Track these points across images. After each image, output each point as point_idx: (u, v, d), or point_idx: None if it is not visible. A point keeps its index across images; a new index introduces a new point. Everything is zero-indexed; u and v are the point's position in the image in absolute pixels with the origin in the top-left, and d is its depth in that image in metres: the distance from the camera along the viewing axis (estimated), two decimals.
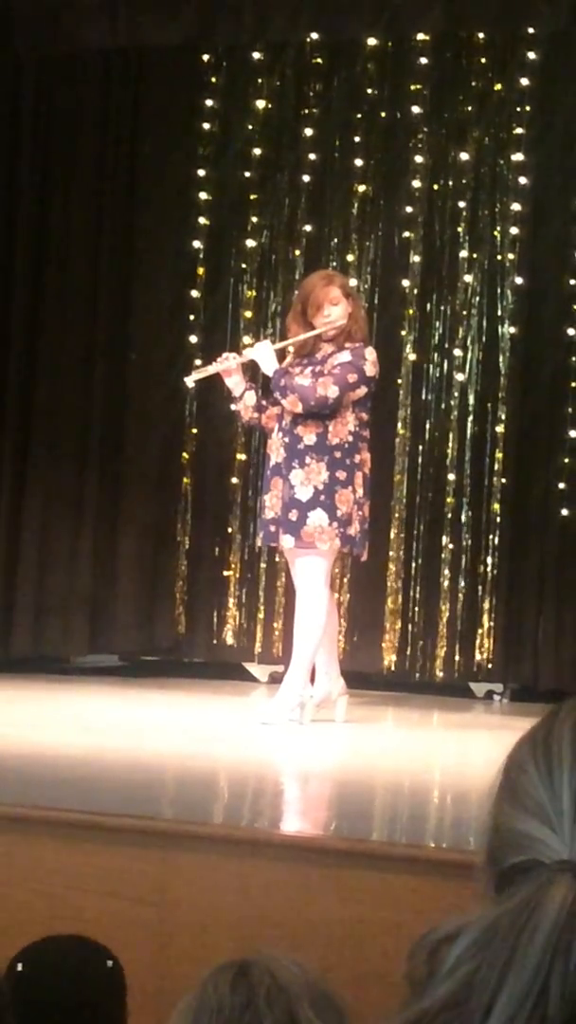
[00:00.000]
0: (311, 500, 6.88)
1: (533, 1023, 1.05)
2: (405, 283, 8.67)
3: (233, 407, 7.41)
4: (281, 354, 7.16)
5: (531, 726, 1.21)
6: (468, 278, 8.60)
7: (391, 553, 8.57)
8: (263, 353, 7.17)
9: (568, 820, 1.12)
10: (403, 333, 8.65)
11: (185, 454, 8.99)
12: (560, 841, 1.12)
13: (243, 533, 8.84)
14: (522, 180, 8.50)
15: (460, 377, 8.61)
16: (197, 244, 8.99)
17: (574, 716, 1.17)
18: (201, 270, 9.01)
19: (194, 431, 8.99)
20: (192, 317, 8.99)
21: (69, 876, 4.30)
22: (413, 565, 8.62)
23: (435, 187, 8.67)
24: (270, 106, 8.90)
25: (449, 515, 8.57)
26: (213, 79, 8.98)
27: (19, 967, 2.65)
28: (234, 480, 8.92)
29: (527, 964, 1.06)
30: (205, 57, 8.96)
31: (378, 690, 8.34)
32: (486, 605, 8.52)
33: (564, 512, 8.31)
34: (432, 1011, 1.08)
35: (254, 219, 8.93)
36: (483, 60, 8.60)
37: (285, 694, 6.92)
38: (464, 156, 8.61)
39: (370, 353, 7.01)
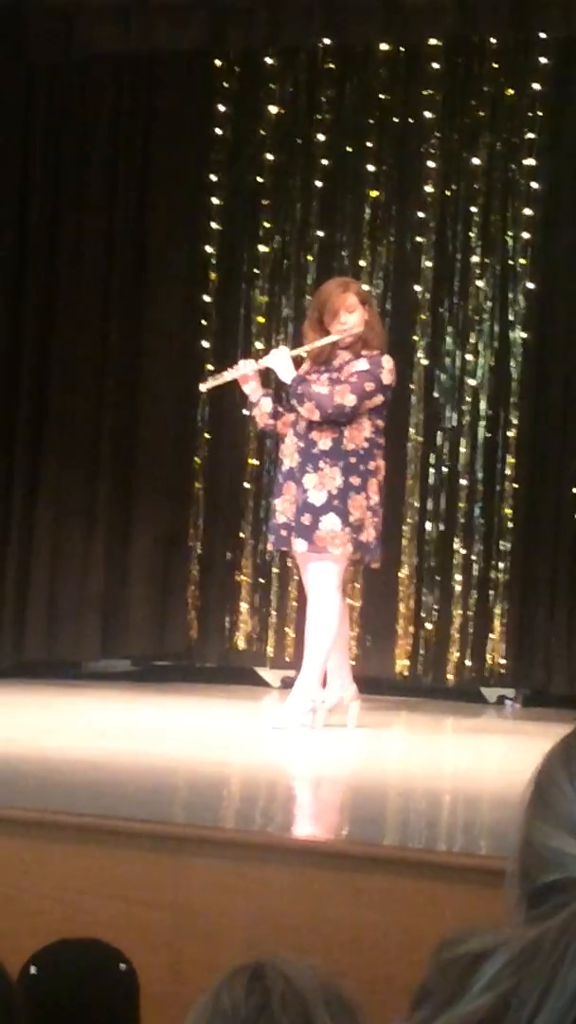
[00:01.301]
0: (324, 505, 6.88)
1: None
2: (417, 288, 8.67)
3: (248, 413, 7.41)
4: (297, 361, 7.17)
5: (562, 738, 1.20)
6: (480, 283, 8.60)
7: (403, 558, 8.57)
8: (280, 360, 7.17)
9: None
10: (415, 338, 8.65)
11: (197, 459, 9.00)
12: None
13: (255, 538, 8.84)
14: (534, 185, 8.50)
15: (472, 382, 8.61)
16: (209, 249, 9.00)
17: None
18: (213, 275, 9.02)
19: (206, 436, 8.99)
20: (204, 322, 8.99)
21: (82, 880, 4.31)
22: (425, 570, 8.61)
23: (447, 192, 8.67)
24: (282, 111, 8.91)
25: (461, 520, 8.57)
26: (225, 84, 8.99)
27: (32, 970, 2.66)
28: (246, 485, 8.92)
29: (569, 984, 1.06)
30: (217, 62, 8.97)
31: (390, 695, 8.34)
32: (498, 610, 8.52)
33: None
34: (480, 1021, 1.08)
35: (266, 224, 8.93)
36: (495, 65, 8.60)
37: (297, 699, 6.92)
38: (476, 161, 8.62)
39: (387, 361, 7.01)
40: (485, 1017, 1.07)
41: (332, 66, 8.84)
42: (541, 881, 1.12)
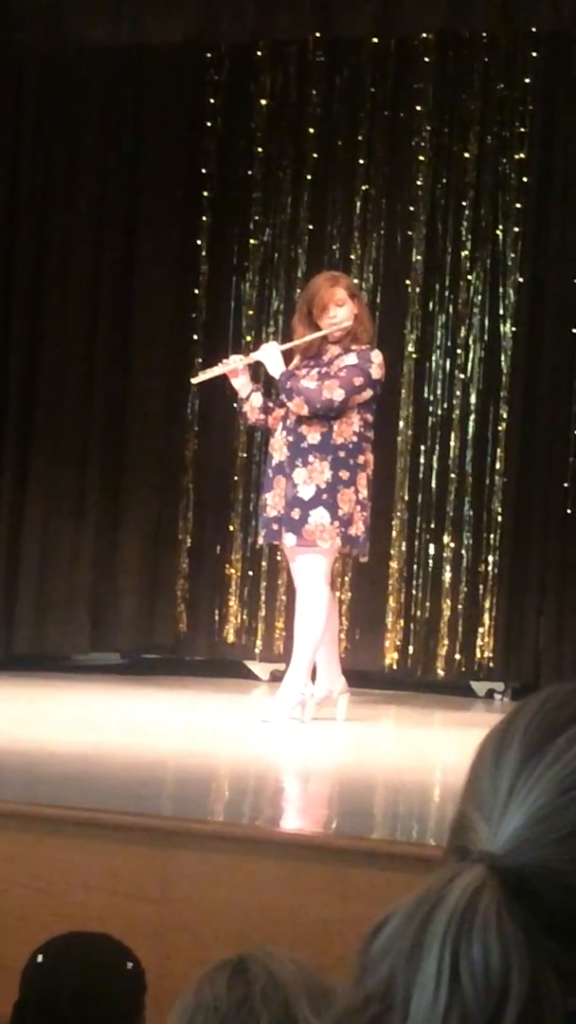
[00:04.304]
0: (313, 499, 6.88)
1: (453, 1012, 1.04)
2: (407, 281, 8.66)
3: (239, 408, 7.41)
4: (287, 355, 7.16)
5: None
6: (470, 276, 8.60)
7: (392, 551, 8.57)
8: (269, 355, 7.17)
9: (499, 811, 1.12)
10: (405, 332, 8.65)
11: (187, 452, 8.99)
12: (488, 831, 1.11)
13: (244, 531, 8.84)
14: (524, 178, 8.50)
15: (462, 376, 8.61)
16: (199, 242, 8.99)
17: (532, 708, 1.16)
18: (204, 268, 9.01)
19: (196, 429, 8.99)
20: (194, 315, 8.99)
21: (69, 873, 4.31)
22: (415, 563, 8.61)
23: (438, 185, 8.67)
24: (273, 104, 8.90)
25: (451, 513, 8.57)
26: (216, 77, 8.98)
27: (39, 958, 2.65)
28: (235, 478, 8.92)
29: (430, 953, 1.05)
30: (208, 55, 8.96)
31: (379, 689, 8.34)
32: (487, 604, 8.52)
33: (568, 511, 8.30)
34: (362, 1003, 1.07)
35: (256, 217, 8.93)
36: (486, 59, 8.59)
37: (286, 692, 6.92)
38: (467, 154, 8.61)
39: (376, 356, 7.00)
40: (377, 991, 1.06)
41: (323, 59, 8.82)
42: (454, 844, 1.14)
